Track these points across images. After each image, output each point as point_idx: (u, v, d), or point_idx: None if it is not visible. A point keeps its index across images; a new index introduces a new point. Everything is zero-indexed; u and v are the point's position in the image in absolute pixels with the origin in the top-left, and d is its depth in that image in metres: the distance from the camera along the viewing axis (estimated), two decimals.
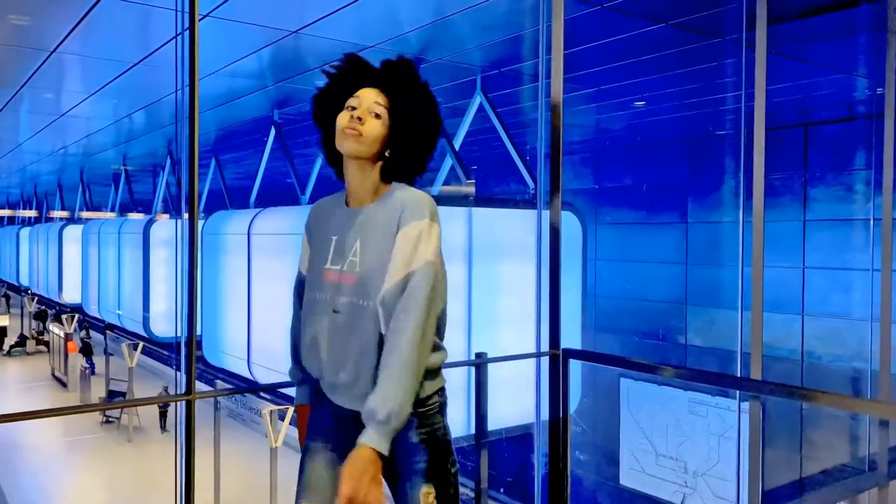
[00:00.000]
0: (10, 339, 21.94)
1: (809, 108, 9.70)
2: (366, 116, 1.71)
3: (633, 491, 11.23)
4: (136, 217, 15.05)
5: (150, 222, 13.00)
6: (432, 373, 1.73)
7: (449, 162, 7.36)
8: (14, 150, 14.57)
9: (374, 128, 1.72)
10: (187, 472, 1.84)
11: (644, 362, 2.10)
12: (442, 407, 1.77)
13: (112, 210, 17.69)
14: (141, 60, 6.71)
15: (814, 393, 1.90)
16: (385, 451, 1.55)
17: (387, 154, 1.74)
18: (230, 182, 12.99)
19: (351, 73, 1.80)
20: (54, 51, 6.16)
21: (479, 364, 2.13)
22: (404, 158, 1.76)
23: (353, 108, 1.73)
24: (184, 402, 1.84)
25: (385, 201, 1.74)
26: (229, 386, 10.19)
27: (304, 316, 1.86)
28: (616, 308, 12.39)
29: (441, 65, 6.78)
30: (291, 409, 9.18)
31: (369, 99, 1.73)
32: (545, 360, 2.38)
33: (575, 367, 7.43)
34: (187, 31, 2.91)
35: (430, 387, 1.73)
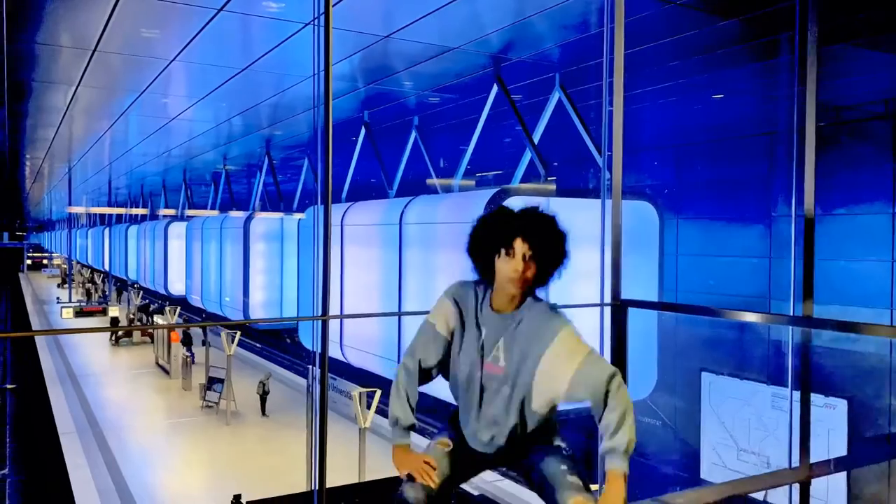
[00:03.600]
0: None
1: None
2: (526, 264, 2.15)
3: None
4: (236, 214, 15.95)
5: (249, 218, 13.87)
6: None
7: (528, 155, 7.67)
8: (125, 154, 15.71)
9: (532, 271, 2.15)
10: (322, 386, 2.26)
11: (696, 306, 2.43)
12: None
13: (213, 208, 18.73)
14: (248, 66, 7.32)
15: (861, 325, 2.14)
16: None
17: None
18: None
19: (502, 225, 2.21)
20: (174, 59, 6.84)
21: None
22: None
23: (512, 256, 2.14)
24: (319, 322, 2.27)
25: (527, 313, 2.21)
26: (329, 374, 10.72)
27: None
28: (701, 302, 12.37)
29: (521, 63, 7.11)
30: (379, 393, 9.68)
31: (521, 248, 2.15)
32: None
33: (648, 352, 7.57)
34: (322, 16, 3.26)
35: None
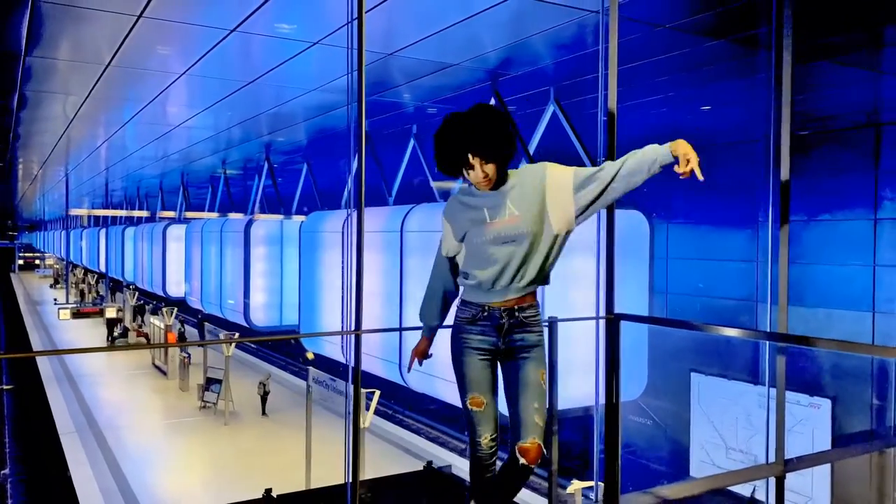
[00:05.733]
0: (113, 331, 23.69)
1: (880, 110, 9.82)
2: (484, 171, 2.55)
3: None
4: (236, 217, 16.09)
5: (249, 222, 14.06)
6: None
7: (524, 164, 7.91)
8: (126, 158, 15.86)
9: (492, 171, 2.56)
10: (356, 392, 2.51)
11: (685, 321, 2.71)
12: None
13: (211, 210, 18.86)
14: (253, 81, 7.56)
15: (825, 341, 2.40)
16: None
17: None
18: (320, 185, 13.88)
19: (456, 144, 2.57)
20: (183, 74, 7.07)
21: (550, 324, 2.73)
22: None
23: (473, 168, 2.55)
24: (353, 336, 2.51)
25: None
26: (322, 372, 10.99)
27: (473, 258, 2.68)
28: (690, 305, 12.66)
29: (517, 77, 7.38)
30: (378, 393, 9.93)
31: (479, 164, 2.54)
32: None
33: (639, 355, 7.84)
34: (354, 22, 3.53)
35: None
